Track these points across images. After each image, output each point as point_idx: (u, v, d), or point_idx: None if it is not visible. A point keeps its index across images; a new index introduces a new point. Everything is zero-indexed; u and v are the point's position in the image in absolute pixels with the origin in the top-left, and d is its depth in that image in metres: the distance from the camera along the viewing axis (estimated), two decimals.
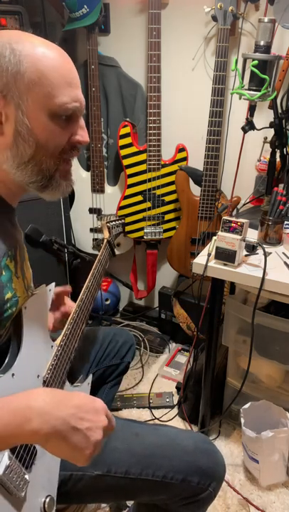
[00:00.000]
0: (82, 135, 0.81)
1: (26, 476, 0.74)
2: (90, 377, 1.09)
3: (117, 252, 1.38)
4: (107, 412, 0.74)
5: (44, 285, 0.92)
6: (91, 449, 0.69)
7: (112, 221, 1.42)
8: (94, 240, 2.18)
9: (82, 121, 0.81)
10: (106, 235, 1.36)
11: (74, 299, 1.09)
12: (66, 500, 1.02)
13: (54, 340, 0.95)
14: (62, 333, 0.97)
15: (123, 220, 1.49)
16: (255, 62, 1.40)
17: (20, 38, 0.74)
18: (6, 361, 0.79)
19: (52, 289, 0.93)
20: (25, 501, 0.74)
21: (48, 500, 0.81)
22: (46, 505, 0.80)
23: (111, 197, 2.09)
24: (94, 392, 1.18)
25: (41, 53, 0.74)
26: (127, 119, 1.91)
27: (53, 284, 0.94)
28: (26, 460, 0.76)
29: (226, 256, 1.30)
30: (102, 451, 0.94)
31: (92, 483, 0.94)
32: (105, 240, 1.33)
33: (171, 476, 0.95)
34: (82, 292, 1.09)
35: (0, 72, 0.72)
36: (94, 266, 1.19)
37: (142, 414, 1.84)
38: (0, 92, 0.72)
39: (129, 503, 1.47)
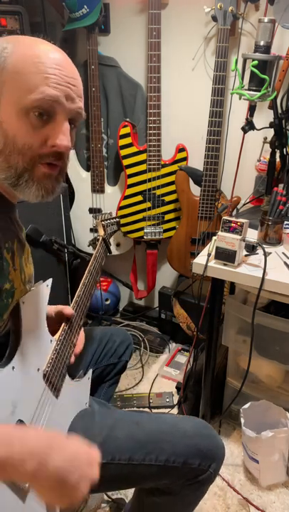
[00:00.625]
0: (61, 138, 0.76)
1: None
2: (90, 372, 1.11)
3: (116, 251, 1.39)
4: (93, 460, 0.74)
5: (41, 281, 0.93)
6: (68, 499, 0.70)
7: (106, 219, 1.44)
8: (91, 239, 2.18)
9: (65, 126, 0.77)
10: (101, 232, 1.38)
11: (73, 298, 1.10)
12: None
13: (53, 335, 0.96)
14: (61, 329, 0.98)
15: (118, 219, 1.51)
16: (255, 62, 1.40)
17: (17, 38, 0.75)
18: (6, 354, 0.80)
19: (49, 284, 0.94)
20: (29, 491, 0.75)
21: None
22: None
23: (111, 197, 2.09)
24: (92, 391, 1.18)
25: (30, 52, 0.74)
26: (127, 119, 1.91)
27: (50, 279, 0.95)
28: None
29: (226, 256, 1.30)
30: (105, 440, 0.96)
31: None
32: (101, 238, 1.35)
33: (173, 459, 0.98)
34: (79, 289, 1.10)
35: None
36: (90, 263, 1.22)
37: None
38: None
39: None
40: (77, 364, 1.24)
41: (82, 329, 1.13)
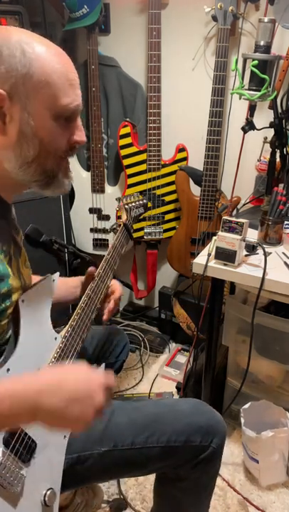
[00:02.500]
0: (80, 135, 0.82)
1: (23, 472, 0.74)
2: (103, 365, 1.09)
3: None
4: (105, 383, 0.76)
5: (49, 275, 0.91)
6: (81, 426, 0.73)
7: (131, 202, 1.31)
8: (94, 239, 2.18)
9: (79, 121, 0.82)
10: (123, 218, 1.26)
11: (76, 304, 1.08)
12: (76, 484, 1.05)
13: (59, 332, 0.94)
14: (68, 324, 0.96)
15: (145, 200, 1.36)
16: (255, 62, 1.40)
17: (30, 39, 0.75)
18: (2, 357, 0.79)
19: (56, 279, 0.93)
20: (22, 496, 0.75)
21: (48, 493, 0.82)
22: (46, 498, 0.81)
23: (111, 197, 2.09)
24: None
25: (49, 55, 0.75)
26: (127, 119, 1.91)
27: (57, 273, 0.93)
28: (23, 454, 0.76)
29: (225, 256, 1.30)
30: (106, 428, 0.97)
31: (101, 459, 0.97)
32: (122, 224, 1.24)
33: (175, 439, 0.99)
34: (92, 280, 1.07)
35: (9, 72, 0.72)
36: (108, 252, 1.14)
37: None
38: (7, 93, 0.72)
39: (135, 503, 1.47)
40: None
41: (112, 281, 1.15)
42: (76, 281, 1.18)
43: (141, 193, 1.98)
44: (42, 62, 0.74)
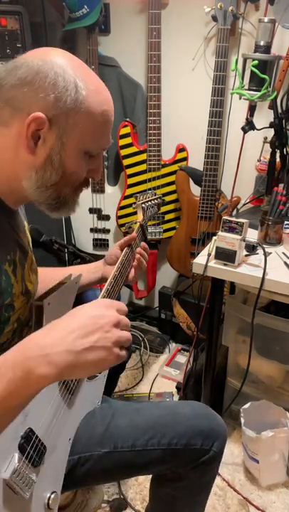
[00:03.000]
0: (97, 173, 0.87)
1: (33, 477, 0.74)
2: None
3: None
4: (113, 305, 0.71)
5: (70, 275, 0.88)
6: (114, 352, 0.66)
7: (148, 200, 1.28)
8: (94, 239, 2.18)
9: (101, 158, 0.86)
10: (139, 217, 1.22)
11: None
12: (77, 484, 1.04)
13: None
14: None
15: (160, 199, 1.33)
16: (255, 62, 1.40)
17: (86, 77, 0.77)
18: None
19: (78, 281, 0.91)
20: (30, 500, 0.75)
21: (52, 496, 0.81)
22: (51, 501, 0.81)
23: (111, 197, 2.09)
24: None
25: (99, 98, 0.78)
26: (127, 119, 1.91)
27: (80, 275, 0.91)
28: (36, 461, 0.76)
29: (225, 256, 1.30)
30: (107, 429, 0.97)
31: (101, 461, 0.97)
32: (138, 224, 1.21)
33: (176, 442, 0.99)
34: (108, 283, 1.02)
35: (57, 102, 0.73)
36: (124, 252, 1.11)
37: None
38: (49, 119, 0.74)
39: (135, 503, 1.47)
40: None
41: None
42: (95, 265, 1.18)
43: (141, 193, 1.98)
44: (90, 103, 0.76)
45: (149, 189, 1.97)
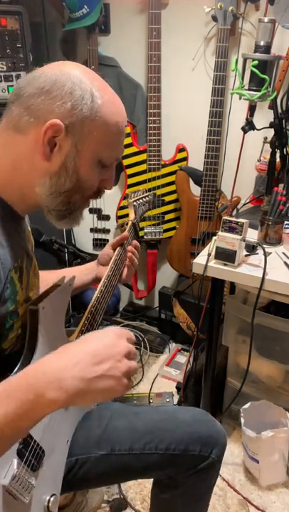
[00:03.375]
0: (110, 183, 0.89)
1: (33, 482, 0.73)
2: None
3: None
4: (123, 334, 0.72)
5: (64, 277, 0.87)
6: (122, 382, 0.67)
7: (138, 199, 1.27)
8: (94, 239, 2.18)
9: (113, 169, 0.88)
10: (131, 216, 1.22)
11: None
12: (73, 487, 1.04)
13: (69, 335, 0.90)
14: (78, 329, 0.93)
15: (150, 197, 1.32)
16: (255, 62, 1.40)
17: (102, 87, 0.79)
18: (18, 366, 0.76)
19: (72, 283, 0.91)
20: (30, 504, 0.74)
21: (52, 499, 0.81)
22: (50, 504, 0.80)
23: (111, 197, 2.09)
24: None
25: (114, 108, 0.80)
26: (127, 119, 1.90)
27: (74, 277, 0.91)
28: (34, 465, 0.75)
29: (225, 256, 1.30)
30: (104, 431, 0.97)
31: (98, 464, 0.97)
32: (130, 223, 1.20)
33: (174, 447, 0.98)
34: (101, 283, 1.02)
35: (73, 111, 0.75)
36: (116, 252, 1.10)
37: None
38: (66, 127, 0.75)
39: (135, 503, 1.47)
40: None
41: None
42: (87, 267, 1.18)
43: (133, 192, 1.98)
44: (105, 113, 0.78)
45: (149, 189, 1.97)
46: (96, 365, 0.65)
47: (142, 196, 1.29)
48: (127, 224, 1.21)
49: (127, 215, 2.06)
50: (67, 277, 0.88)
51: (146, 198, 1.30)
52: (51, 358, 0.67)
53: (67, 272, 1.07)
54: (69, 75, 0.76)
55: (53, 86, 0.74)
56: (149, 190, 1.97)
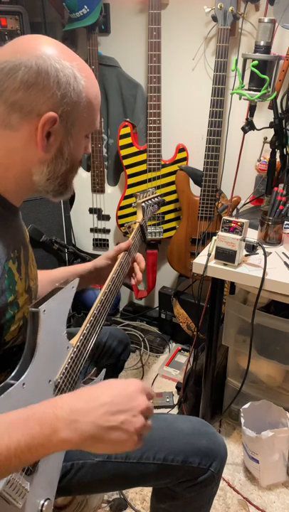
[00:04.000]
0: (89, 148, 0.89)
1: (27, 487, 0.73)
2: (103, 372, 1.05)
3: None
4: (144, 389, 0.72)
5: (69, 280, 0.86)
6: (134, 438, 0.67)
7: (148, 199, 1.23)
8: (94, 239, 2.18)
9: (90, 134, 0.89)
10: (139, 217, 1.18)
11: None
12: (69, 492, 1.02)
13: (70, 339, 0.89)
14: (80, 332, 0.92)
15: (160, 198, 1.27)
16: (255, 62, 1.40)
17: (79, 63, 0.78)
18: (17, 369, 0.75)
19: (75, 286, 0.89)
20: (24, 508, 0.73)
21: (46, 503, 0.80)
22: (44, 508, 0.79)
23: (111, 197, 2.09)
24: None
25: (91, 81, 0.80)
26: (127, 119, 1.91)
27: (77, 280, 0.89)
28: (29, 469, 0.75)
29: (226, 256, 1.30)
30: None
31: (94, 470, 0.95)
32: (137, 224, 1.18)
33: (172, 458, 0.96)
34: (105, 285, 1.01)
35: (63, 99, 0.75)
36: (121, 255, 1.10)
37: None
38: (59, 116, 0.75)
39: (136, 503, 1.47)
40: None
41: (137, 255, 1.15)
42: (85, 267, 1.17)
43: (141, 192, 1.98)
44: (88, 89, 0.78)
45: (150, 189, 1.96)
46: (113, 415, 0.66)
47: (151, 197, 1.26)
48: (134, 224, 1.18)
49: (127, 215, 2.07)
50: (70, 280, 0.87)
51: (156, 199, 1.27)
52: (72, 396, 0.68)
53: (64, 271, 1.10)
54: (47, 58, 0.73)
55: (38, 77, 0.72)
56: (150, 189, 1.96)
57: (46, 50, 0.74)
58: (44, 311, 0.77)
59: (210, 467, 0.97)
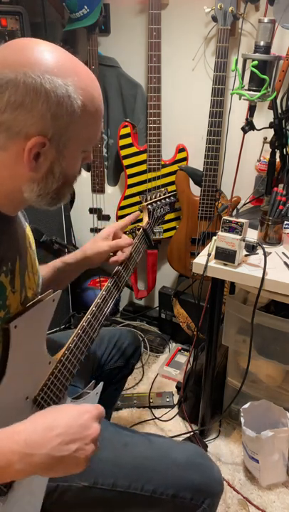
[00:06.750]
0: (90, 158, 0.84)
1: None
2: (101, 385, 0.99)
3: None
4: (98, 415, 0.74)
5: (50, 291, 0.83)
6: (83, 465, 0.70)
7: (156, 200, 1.14)
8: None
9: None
10: (144, 221, 1.11)
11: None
12: None
13: (54, 355, 0.87)
14: (66, 347, 0.89)
15: (173, 198, 1.18)
16: (255, 62, 1.41)
17: (75, 79, 0.71)
18: None
19: (56, 299, 0.84)
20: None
21: None
22: None
23: (111, 197, 2.09)
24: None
25: (92, 97, 0.74)
26: (127, 120, 1.91)
27: (59, 293, 0.84)
28: (1, 490, 0.74)
29: (225, 256, 1.30)
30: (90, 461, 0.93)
31: (79, 494, 0.92)
32: (141, 229, 1.11)
33: (161, 491, 0.91)
34: (99, 295, 0.97)
35: (55, 120, 0.70)
36: (116, 269, 1.06)
37: (142, 414, 1.84)
38: (49, 138, 0.71)
39: None
40: (83, 366, 1.22)
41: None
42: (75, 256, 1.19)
43: (141, 193, 1.98)
44: (85, 106, 0.72)
45: (149, 189, 1.97)
46: (66, 445, 0.68)
47: (160, 198, 1.18)
48: (138, 230, 1.12)
49: (127, 215, 2.06)
50: (52, 292, 0.84)
51: (167, 200, 1.19)
52: (27, 427, 0.69)
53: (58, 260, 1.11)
54: (38, 77, 0.67)
55: (26, 98, 0.67)
56: (149, 190, 1.97)
57: (37, 66, 0.67)
58: (15, 326, 0.75)
59: (203, 503, 0.92)
